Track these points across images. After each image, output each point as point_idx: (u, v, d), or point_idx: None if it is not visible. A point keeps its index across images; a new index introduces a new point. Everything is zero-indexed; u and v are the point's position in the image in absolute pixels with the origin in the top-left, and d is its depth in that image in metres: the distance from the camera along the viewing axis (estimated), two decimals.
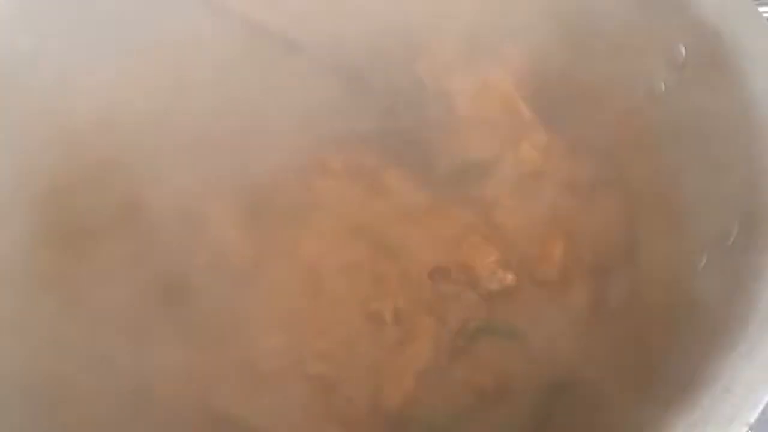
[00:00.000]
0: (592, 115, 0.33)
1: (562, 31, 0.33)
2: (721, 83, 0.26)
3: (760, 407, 0.18)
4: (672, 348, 0.24)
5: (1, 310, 0.29)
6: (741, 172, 0.24)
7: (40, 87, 0.33)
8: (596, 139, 0.33)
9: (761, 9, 0.28)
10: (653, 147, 0.30)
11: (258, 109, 0.36)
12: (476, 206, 0.36)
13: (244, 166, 0.36)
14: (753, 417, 0.18)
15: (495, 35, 0.35)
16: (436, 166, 0.38)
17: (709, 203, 0.26)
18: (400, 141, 0.39)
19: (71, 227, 0.33)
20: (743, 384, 0.18)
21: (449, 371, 0.32)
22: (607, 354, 0.29)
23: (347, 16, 0.36)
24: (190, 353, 0.31)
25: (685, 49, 0.28)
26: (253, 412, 0.30)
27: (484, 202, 0.36)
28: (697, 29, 0.28)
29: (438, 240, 0.35)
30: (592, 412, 0.26)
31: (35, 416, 0.26)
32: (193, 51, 0.36)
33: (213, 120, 0.36)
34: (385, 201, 0.37)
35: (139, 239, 0.34)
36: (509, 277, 0.34)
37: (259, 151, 0.36)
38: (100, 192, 0.34)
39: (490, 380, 0.31)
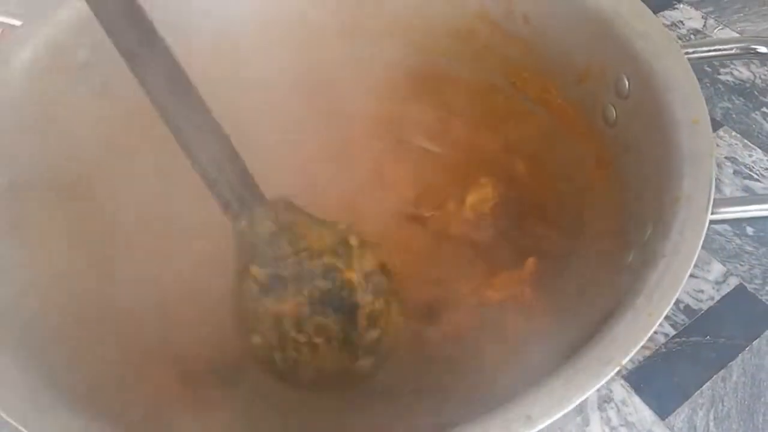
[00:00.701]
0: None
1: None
2: (652, 110, 0.33)
3: None
4: None
5: None
6: (657, 184, 0.30)
7: (89, 92, 0.38)
8: None
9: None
10: (608, 162, 0.37)
11: None
12: None
13: None
14: None
15: None
16: None
17: (639, 208, 0.32)
18: None
19: None
20: None
21: None
22: None
23: None
24: None
25: (628, 81, 0.34)
26: None
27: None
28: (636, 64, 0.34)
29: None
30: None
31: None
32: None
33: None
34: None
35: None
36: None
37: None
38: None
39: None
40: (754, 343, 0.53)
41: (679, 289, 0.26)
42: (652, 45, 0.33)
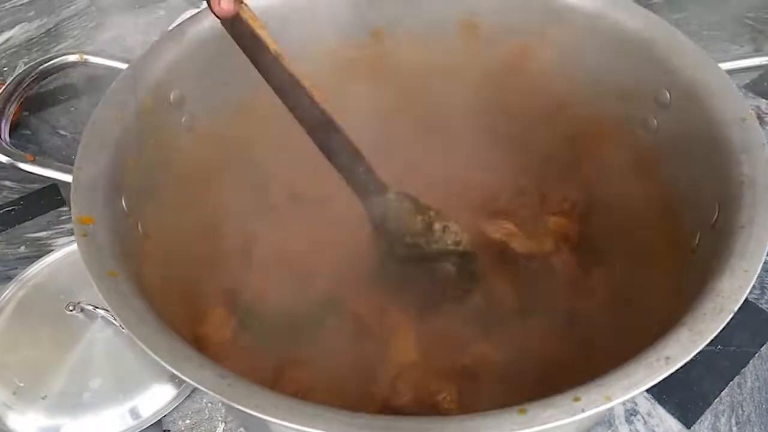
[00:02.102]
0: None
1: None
2: (696, 115, 0.37)
3: None
4: None
5: None
6: (715, 173, 0.34)
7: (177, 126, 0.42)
8: None
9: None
10: (653, 164, 0.41)
11: None
12: None
13: None
14: None
15: None
16: None
17: (696, 197, 0.36)
18: None
19: None
20: None
21: None
22: None
23: None
24: None
25: (669, 93, 0.39)
26: None
27: None
28: (675, 77, 0.39)
29: None
30: None
31: None
32: None
33: None
34: None
35: None
36: None
37: None
38: None
39: None
40: (762, 349, 0.57)
41: (765, 251, 0.29)
42: (689, 60, 0.38)
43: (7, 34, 1.09)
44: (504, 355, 0.38)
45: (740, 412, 0.56)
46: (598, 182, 0.43)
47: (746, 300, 0.64)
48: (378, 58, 0.46)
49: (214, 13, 0.33)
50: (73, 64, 0.40)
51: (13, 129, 0.88)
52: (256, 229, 0.44)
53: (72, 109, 0.95)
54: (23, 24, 1.12)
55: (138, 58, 0.38)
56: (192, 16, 0.40)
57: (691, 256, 0.34)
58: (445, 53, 0.45)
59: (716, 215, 0.33)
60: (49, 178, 0.35)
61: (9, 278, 0.64)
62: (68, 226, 0.73)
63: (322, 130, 0.37)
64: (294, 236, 0.44)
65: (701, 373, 0.58)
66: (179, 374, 0.24)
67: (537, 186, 0.46)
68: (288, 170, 0.45)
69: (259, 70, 0.35)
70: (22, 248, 0.71)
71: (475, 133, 0.45)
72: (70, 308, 0.61)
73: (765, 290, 0.62)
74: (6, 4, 1.16)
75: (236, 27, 0.33)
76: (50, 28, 1.12)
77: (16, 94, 0.37)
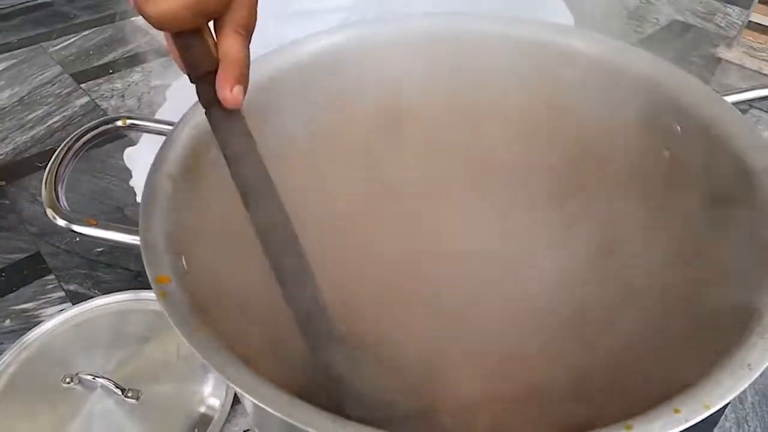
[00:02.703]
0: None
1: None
2: (704, 143, 0.40)
3: None
4: None
5: None
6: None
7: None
8: None
9: None
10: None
11: None
12: None
13: None
14: None
15: None
16: None
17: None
18: None
19: None
20: None
21: None
22: None
23: None
24: None
25: (680, 126, 0.42)
26: None
27: None
28: (687, 112, 0.42)
29: None
30: None
31: None
32: None
33: None
34: None
35: None
36: None
37: None
38: None
39: None
40: None
41: None
42: (697, 98, 0.41)
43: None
44: None
45: (746, 426, 0.58)
46: None
47: None
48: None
49: (219, 100, 0.31)
50: (118, 128, 0.40)
51: None
52: None
53: None
54: None
55: (179, 122, 0.38)
56: None
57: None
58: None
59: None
60: (111, 240, 0.34)
61: None
62: (57, 294, 0.70)
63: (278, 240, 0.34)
64: None
65: None
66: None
67: None
68: None
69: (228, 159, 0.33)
70: (8, 322, 0.67)
71: None
72: (67, 380, 0.57)
73: None
74: None
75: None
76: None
77: (68, 158, 0.37)
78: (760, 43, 1.11)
